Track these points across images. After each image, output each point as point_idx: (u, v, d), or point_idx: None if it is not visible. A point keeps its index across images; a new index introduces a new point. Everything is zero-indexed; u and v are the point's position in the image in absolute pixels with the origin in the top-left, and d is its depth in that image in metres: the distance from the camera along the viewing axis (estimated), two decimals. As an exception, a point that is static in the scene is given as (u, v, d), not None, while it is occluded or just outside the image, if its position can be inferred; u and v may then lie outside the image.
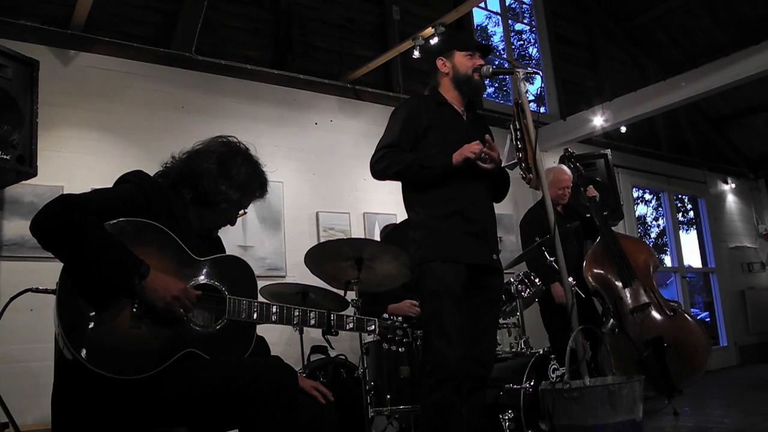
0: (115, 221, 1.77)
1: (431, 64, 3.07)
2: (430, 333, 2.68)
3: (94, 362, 1.62)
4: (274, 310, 1.99)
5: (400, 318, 2.31)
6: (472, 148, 2.73)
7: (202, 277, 1.92)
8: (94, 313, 1.68)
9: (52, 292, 1.69)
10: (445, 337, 2.63)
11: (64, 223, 1.68)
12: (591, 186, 4.96)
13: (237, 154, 2.09)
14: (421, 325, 2.81)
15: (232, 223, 2.15)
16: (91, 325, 1.67)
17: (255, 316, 1.95)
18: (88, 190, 1.96)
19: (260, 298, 2.04)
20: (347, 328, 2.16)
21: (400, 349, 2.31)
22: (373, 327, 2.21)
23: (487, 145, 2.75)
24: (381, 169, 2.83)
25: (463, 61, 2.95)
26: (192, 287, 1.86)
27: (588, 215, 4.95)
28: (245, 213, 2.17)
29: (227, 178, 2.03)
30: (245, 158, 2.11)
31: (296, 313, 2.04)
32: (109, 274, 1.69)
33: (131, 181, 1.93)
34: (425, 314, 2.72)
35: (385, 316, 2.29)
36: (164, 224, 1.87)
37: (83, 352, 1.62)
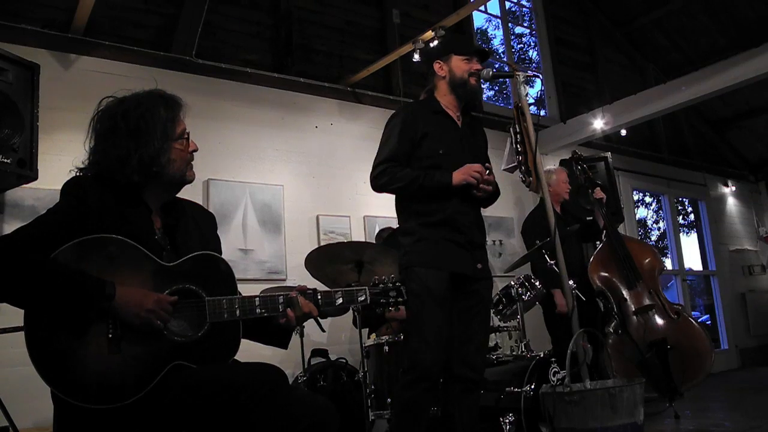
0: (69, 245, 1.66)
1: (429, 67, 3.07)
2: (410, 334, 2.75)
3: (79, 398, 1.58)
4: (257, 302, 1.88)
5: (392, 276, 2.22)
6: (473, 173, 2.77)
7: (175, 283, 1.80)
8: (68, 347, 1.60)
9: (21, 329, 1.59)
10: (423, 339, 2.68)
11: (9, 273, 1.57)
12: (598, 188, 4.98)
13: (117, 118, 1.86)
14: (405, 327, 2.90)
15: (191, 152, 1.94)
16: (69, 361, 1.59)
17: (238, 313, 1.84)
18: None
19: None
20: (337, 303, 2.07)
21: (392, 309, 2.21)
22: (363, 297, 2.12)
23: (487, 172, 2.80)
24: (382, 184, 2.87)
25: (459, 65, 2.95)
26: (167, 295, 1.76)
27: (589, 218, 4.96)
28: (188, 133, 1.95)
29: (141, 140, 1.81)
30: (125, 111, 1.86)
31: (280, 300, 1.93)
32: (75, 308, 1.60)
33: (70, 193, 1.79)
34: (408, 315, 2.76)
35: (375, 278, 2.22)
36: (118, 231, 1.73)
37: (67, 391, 1.57)
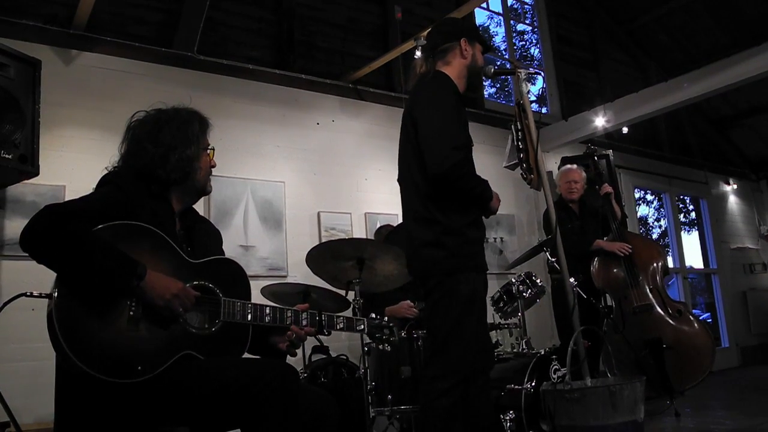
0: (107, 225, 1.76)
1: (448, 39, 2.78)
2: (450, 339, 2.57)
3: (93, 367, 1.62)
4: (268, 311, 2.02)
5: (386, 317, 2.34)
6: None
7: (196, 279, 1.91)
8: (91, 317, 1.68)
9: (47, 296, 1.69)
10: (466, 344, 2.58)
11: (56, 235, 1.67)
12: (606, 183, 5.01)
13: (161, 122, 2.04)
14: (435, 329, 2.64)
15: (213, 166, 2.14)
16: (89, 329, 1.66)
17: (249, 317, 1.97)
18: (90, 189, 1.94)
19: (263, 300, 2.04)
20: (338, 327, 2.19)
21: (386, 347, 2.33)
22: (362, 326, 2.26)
23: None
24: (461, 175, 2.53)
25: (480, 55, 2.84)
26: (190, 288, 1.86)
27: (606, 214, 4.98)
28: (213, 148, 2.16)
29: (181, 141, 2.02)
30: (168, 118, 2.06)
31: (288, 314, 2.07)
32: (107, 279, 1.69)
33: (112, 182, 1.92)
34: (449, 319, 2.57)
35: (373, 315, 2.30)
36: (150, 224, 1.86)
37: (82, 358, 1.61)
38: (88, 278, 1.68)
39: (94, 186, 1.96)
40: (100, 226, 1.74)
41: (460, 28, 2.90)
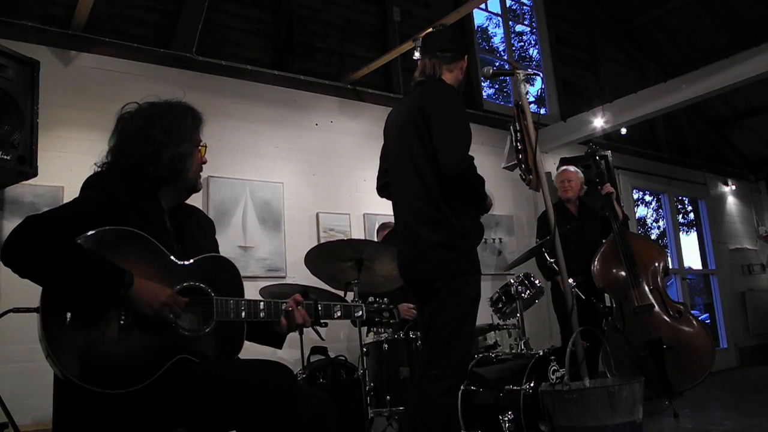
0: (92, 232, 1.71)
1: (459, 49, 2.91)
2: (456, 339, 2.60)
3: (86, 380, 1.60)
4: (262, 306, 1.98)
5: (385, 299, 2.29)
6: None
7: (186, 281, 1.87)
8: (81, 329, 1.64)
9: (35, 310, 1.63)
10: (467, 344, 2.65)
11: (38, 248, 1.63)
12: (608, 183, 5.01)
13: (153, 117, 1.99)
14: (438, 329, 2.64)
15: (203, 162, 2.10)
16: (80, 342, 1.63)
17: (243, 314, 1.93)
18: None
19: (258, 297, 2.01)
20: (335, 316, 2.15)
21: (386, 331, 2.30)
22: (360, 313, 2.21)
23: None
24: (474, 176, 2.63)
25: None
26: (178, 291, 1.82)
27: (607, 214, 4.97)
28: (205, 144, 2.11)
29: (174, 138, 1.96)
30: (161, 113, 2.01)
31: (284, 306, 2.03)
32: (93, 290, 1.65)
33: (95, 185, 1.86)
34: (455, 319, 2.60)
35: (371, 299, 2.28)
36: (136, 225, 1.82)
37: (75, 372, 1.59)
38: (74, 290, 1.64)
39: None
40: (83, 235, 1.70)
41: (465, 44, 3.01)
